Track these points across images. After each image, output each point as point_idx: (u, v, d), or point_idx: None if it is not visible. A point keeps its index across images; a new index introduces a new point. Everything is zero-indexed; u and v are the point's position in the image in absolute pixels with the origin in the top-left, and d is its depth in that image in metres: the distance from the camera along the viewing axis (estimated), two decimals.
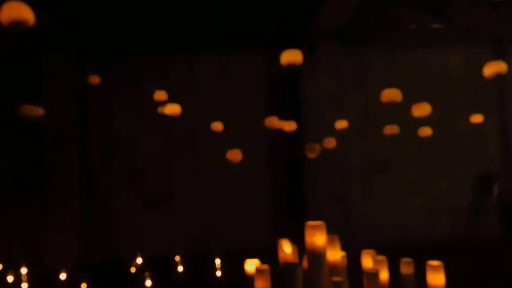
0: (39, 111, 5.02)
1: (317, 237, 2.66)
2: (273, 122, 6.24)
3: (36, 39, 7.53)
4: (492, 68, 4.01)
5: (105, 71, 8.15)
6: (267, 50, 8.41)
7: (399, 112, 8.37)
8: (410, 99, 8.51)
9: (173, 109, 5.57)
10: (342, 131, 7.92)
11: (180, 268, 6.45)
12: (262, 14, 7.77)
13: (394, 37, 8.39)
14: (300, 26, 7.85)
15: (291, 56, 3.81)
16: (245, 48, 8.38)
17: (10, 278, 6.12)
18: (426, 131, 6.48)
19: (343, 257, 3.17)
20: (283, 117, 8.29)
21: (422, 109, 5.10)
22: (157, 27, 7.84)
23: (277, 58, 6.24)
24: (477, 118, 6.42)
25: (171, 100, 8.11)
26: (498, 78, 8.70)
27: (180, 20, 7.71)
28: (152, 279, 5.98)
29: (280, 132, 8.12)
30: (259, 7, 7.56)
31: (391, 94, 4.58)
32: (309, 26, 7.45)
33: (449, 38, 8.53)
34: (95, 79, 5.89)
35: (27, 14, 2.70)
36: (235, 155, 5.30)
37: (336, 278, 2.70)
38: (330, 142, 6.58)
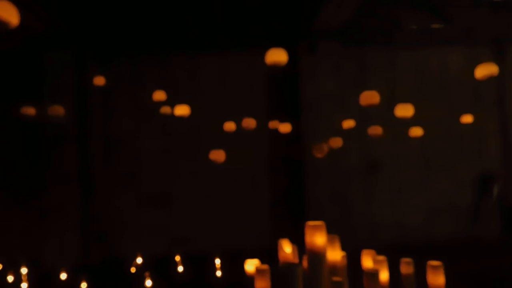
0: (61, 111, 5.09)
1: (317, 237, 2.66)
2: (250, 123, 6.26)
3: (37, 40, 7.53)
4: (483, 70, 4.02)
5: (106, 71, 8.15)
6: (267, 51, 8.40)
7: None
8: (410, 99, 8.54)
9: (183, 110, 5.54)
10: (345, 131, 7.94)
11: (180, 268, 6.45)
12: (262, 14, 7.77)
13: (394, 37, 8.39)
14: (300, 26, 7.86)
15: (276, 56, 3.77)
16: (245, 48, 8.38)
17: (10, 278, 6.12)
18: (416, 132, 6.50)
19: (343, 257, 3.17)
20: (283, 117, 8.30)
21: (404, 110, 5.10)
22: (157, 28, 7.85)
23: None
24: (467, 119, 6.43)
25: (171, 100, 8.13)
26: (498, 78, 8.70)
27: (180, 21, 7.71)
28: (152, 279, 5.98)
29: (280, 132, 8.12)
30: (259, 7, 7.57)
31: (369, 97, 4.58)
32: (309, 26, 7.45)
33: (449, 38, 8.53)
34: (100, 81, 5.87)
35: (10, 14, 2.59)
36: (218, 155, 5.29)
37: (336, 278, 2.70)
38: (337, 142, 6.59)
